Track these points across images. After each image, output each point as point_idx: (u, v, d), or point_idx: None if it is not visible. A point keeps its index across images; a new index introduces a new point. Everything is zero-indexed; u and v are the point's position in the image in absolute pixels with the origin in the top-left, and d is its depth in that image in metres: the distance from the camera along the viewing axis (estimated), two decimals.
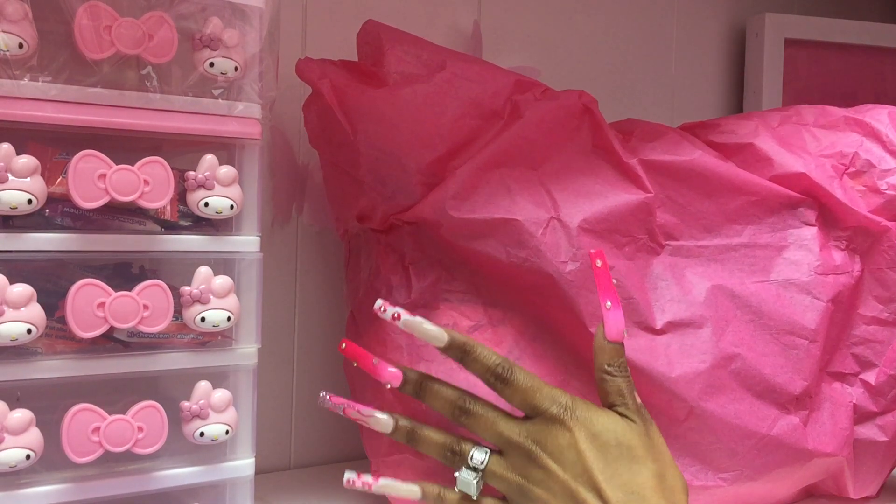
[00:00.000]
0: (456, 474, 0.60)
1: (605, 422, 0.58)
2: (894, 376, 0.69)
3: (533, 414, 0.59)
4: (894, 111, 0.73)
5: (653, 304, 0.66)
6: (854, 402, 0.69)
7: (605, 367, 0.59)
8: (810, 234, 0.70)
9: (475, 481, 0.59)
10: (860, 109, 0.75)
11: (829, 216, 0.71)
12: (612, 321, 0.59)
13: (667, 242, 0.68)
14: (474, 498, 0.60)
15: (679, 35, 1.04)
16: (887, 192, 0.70)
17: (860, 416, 0.70)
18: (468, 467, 0.60)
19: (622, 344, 0.60)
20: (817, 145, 0.73)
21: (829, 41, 1.07)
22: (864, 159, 0.71)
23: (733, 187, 0.70)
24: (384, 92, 0.64)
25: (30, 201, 0.49)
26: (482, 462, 0.59)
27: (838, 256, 0.70)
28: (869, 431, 0.70)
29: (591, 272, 0.63)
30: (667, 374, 0.64)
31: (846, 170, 0.71)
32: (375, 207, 0.67)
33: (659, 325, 0.65)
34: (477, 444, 0.61)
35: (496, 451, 0.60)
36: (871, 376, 0.70)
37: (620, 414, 0.58)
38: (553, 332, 0.66)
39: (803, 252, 0.69)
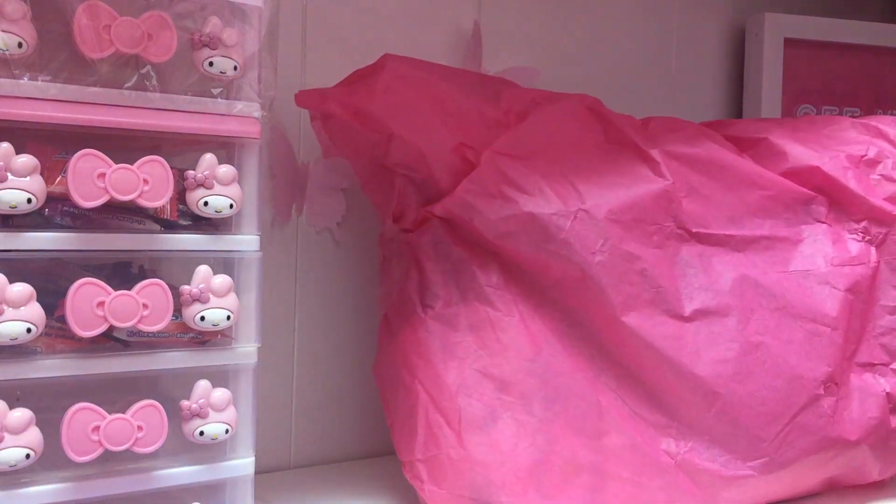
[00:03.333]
0: None
1: None
2: None
3: None
4: None
5: (681, 292, 0.67)
6: (887, 391, 0.71)
7: None
8: (821, 230, 0.72)
9: None
10: (867, 118, 0.78)
11: (843, 208, 0.73)
12: None
13: (696, 230, 0.69)
14: None
15: (679, 35, 1.04)
16: None
17: None
18: None
19: None
20: (830, 142, 0.75)
21: (829, 41, 1.07)
22: (876, 152, 0.74)
23: (750, 181, 0.71)
24: (387, 97, 0.66)
25: (29, 200, 0.49)
26: None
27: (854, 248, 0.72)
28: None
29: (619, 262, 0.65)
30: (694, 362, 0.66)
31: (862, 158, 0.74)
32: (408, 203, 0.68)
33: (687, 312, 0.67)
34: None
35: None
36: None
37: None
38: (583, 326, 0.67)
39: (818, 246, 0.71)
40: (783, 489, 0.69)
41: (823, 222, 0.72)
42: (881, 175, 0.74)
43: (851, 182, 0.72)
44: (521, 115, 0.70)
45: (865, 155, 0.74)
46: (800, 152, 0.73)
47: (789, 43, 1.05)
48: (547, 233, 0.64)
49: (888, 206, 0.72)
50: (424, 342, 0.66)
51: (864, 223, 0.73)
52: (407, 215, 0.69)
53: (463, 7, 0.89)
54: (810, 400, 0.67)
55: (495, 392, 0.65)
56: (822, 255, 0.71)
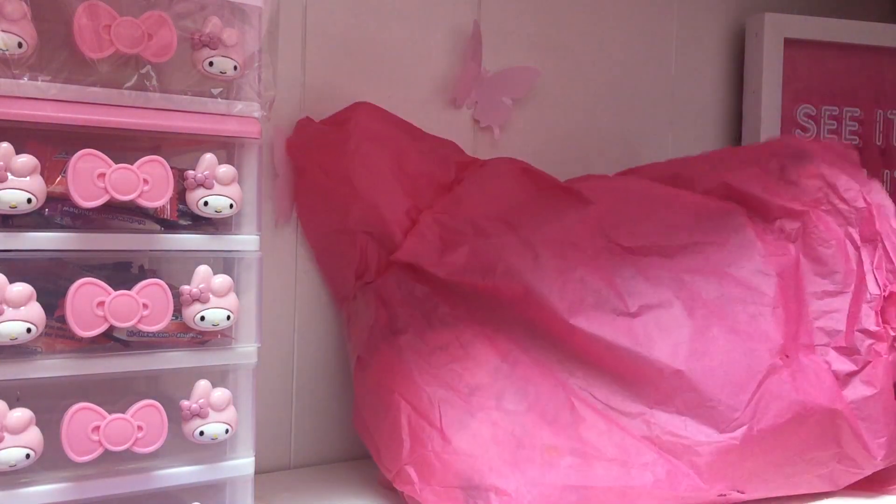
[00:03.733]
0: None
1: None
2: (861, 331, 0.75)
3: None
4: (801, 139, 0.88)
5: (623, 293, 0.73)
6: (833, 368, 0.74)
7: None
8: (746, 230, 0.78)
9: None
10: (773, 139, 0.89)
11: (758, 212, 0.79)
12: None
13: (628, 244, 0.76)
14: None
15: (679, 35, 1.04)
16: (801, 180, 0.80)
17: (844, 379, 0.74)
18: None
19: None
20: (733, 162, 0.83)
21: (829, 41, 1.07)
22: (781, 161, 0.81)
23: (669, 202, 0.79)
24: (356, 157, 0.75)
25: (29, 200, 0.49)
26: None
27: (775, 245, 0.78)
28: (858, 390, 0.74)
29: (557, 274, 0.72)
30: (650, 348, 0.70)
31: (765, 167, 0.81)
32: (371, 257, 0.76)
33: (633, 308, 0.72)
34: None
35: None
36: (840, 340, 0.75)
37: None
38: (544, 337, 0.72)
39: (746, 244, 0.77)
40: (774, 467, 0.70)
41: (746, 225, 0.78)
42: (782, 179, 0.80)
43: (757, 189, 0.79)
44: (459, 179, 0.80)
45: (767, 165, 0.81)
46: (707, 175, 0.82)
47: (789, 43, 1.05)
48: (488, 262, 0.72)
49: (793, 204, 0.78)
50: (400, 360, 0.71)
51: (778, 222, 0.79)
52: (370, 267, 0.77)
53: (463, 7, 0.89)
54: (771, 368, 0.71)
55: (469, 394, 0.69)
56: (752, 250, 0.77)
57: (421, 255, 0.74)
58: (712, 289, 0.74)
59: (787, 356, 0.72)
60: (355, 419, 0.76)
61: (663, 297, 0.73)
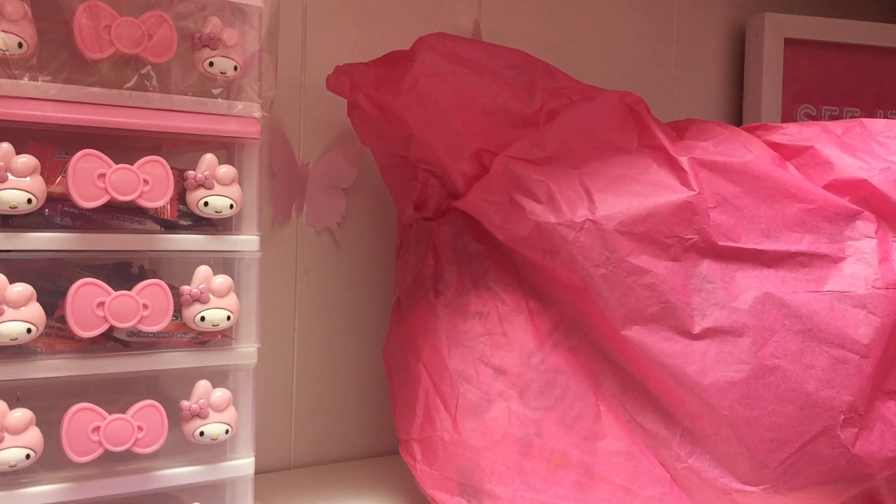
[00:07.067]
0: None
1: None
2: None
3: None
4: None
5: (694, 308, 0.64)
6: None
7: None
8: (870, 246, 0.66)
9: None
10: None
11: (891, 225, 0.67)
12: None
13: (723, 243, 0.65)
14: None
15: (679, 35, 1.04)
16: None
17: None
18: None
19: None
20: (882, 152, 0.69)
21: (829, 41, 1.07)
22: None
23: (789, 193, 0.67)
24: (412, 95, 0.66)
25: (29, 201, 0.49)
26: None
27: None
28: None
29: (624, 276, 0.63)
30: (699, 381, 0.63)
31: None
32: (430, 195, 0.71)
33: (697, 330, 0.64)
34: None
35: None
36: None
37: None
38: (588, 327, 0.67)
39: (861, 265, 0.65)
40: None
41: (873, 238, 0.66)
42: None
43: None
44: (552, 113, 0.69)
45: None
46: (847, 163, 0.68)
47: (789, 43, 1.05)
48: (552, 242, 0.64)
49: None
50: (432, 327, 0.68)
51: None
52: (429, 204, 0.71)
53: (463, 7, 0.89)
54: (824, 429, 0.63)
55: (493, 379, 0.66)
56: (865, 277, 0.65)
57: (483, 213, 0.67)
58: (799, 319, 0.64)
59: (860, 414, 0.64)
60: (385, 352, 0.74)
61: (737, 323, 0.64)
